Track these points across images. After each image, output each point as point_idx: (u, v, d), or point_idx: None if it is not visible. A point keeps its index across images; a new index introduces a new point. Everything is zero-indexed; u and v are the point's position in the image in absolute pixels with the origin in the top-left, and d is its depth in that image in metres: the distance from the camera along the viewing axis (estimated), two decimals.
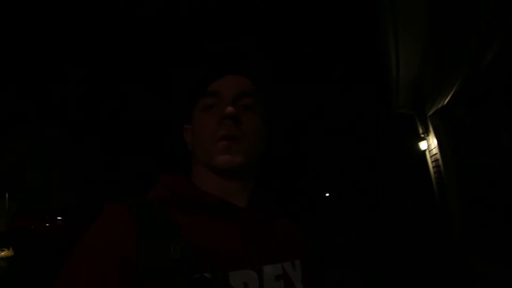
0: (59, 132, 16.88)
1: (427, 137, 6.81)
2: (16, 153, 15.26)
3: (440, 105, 5.30)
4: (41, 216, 11.85)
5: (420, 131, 7.04)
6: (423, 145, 6.97)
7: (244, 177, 0.79)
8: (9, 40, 16.02)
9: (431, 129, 6.34)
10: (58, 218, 11.90)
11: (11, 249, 7.93)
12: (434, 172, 6.91)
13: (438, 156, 6.16)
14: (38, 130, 16.13)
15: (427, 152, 7.11)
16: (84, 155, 16.69)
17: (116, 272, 0.58)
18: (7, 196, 14.85)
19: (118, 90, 18.23)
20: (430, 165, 7.09)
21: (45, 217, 11.85)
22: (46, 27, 17.34)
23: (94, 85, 17.43)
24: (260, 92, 0.84)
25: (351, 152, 23.91)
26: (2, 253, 7.58)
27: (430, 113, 6.04)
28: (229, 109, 0.74)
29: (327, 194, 28.55)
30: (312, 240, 0.96)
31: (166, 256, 0.61)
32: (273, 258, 0.75)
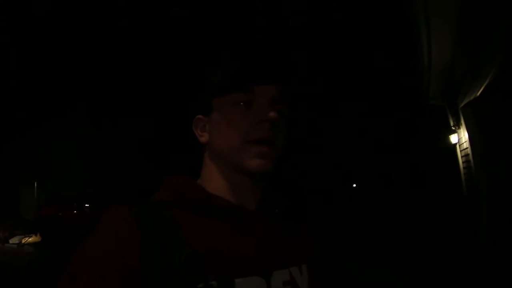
0: (85, 120, 17.26)
1: (458, 130, 6.63)
2: (43, 143, 15.67)
3: (472, 97, 5.15)
4: (68, 204, 12.18)
5: (451, 123, 6.86)
6: (453, 138, 6.80)
7: (261, 180, 0.78)
8: (42, 38, 16.32)
9: (462, 121, 6.18)
10: (86, 205, 12.21)
11: (38, 235, 8.18)
12: (464, 168, 6.72)
13: (469, 150, 5.98)
14: (64, 119, 16.51)
15: (457, 146, 6.91)
16: (109, 144, 17.02)
17: (117, 274, 0.58)
18: (35, 185, 15.32)
19: (145, 76, 18.36)
20: (460, 160, 6.89)
21: (73, 205, 12.18)
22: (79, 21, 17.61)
23: (113, 74, 17.56)
24: (287, 98, 0.81)
25: (378, 143, 23.41)
26: (30, 239, 7.86)
27: (462, 105, 5.88)
28: (272, 113, 0.72)
29: (354, 185, 28.18)
30: (317, 241, 0.96)
31: (170, 263, 0.61)
32: (281, 263, 0.73)
